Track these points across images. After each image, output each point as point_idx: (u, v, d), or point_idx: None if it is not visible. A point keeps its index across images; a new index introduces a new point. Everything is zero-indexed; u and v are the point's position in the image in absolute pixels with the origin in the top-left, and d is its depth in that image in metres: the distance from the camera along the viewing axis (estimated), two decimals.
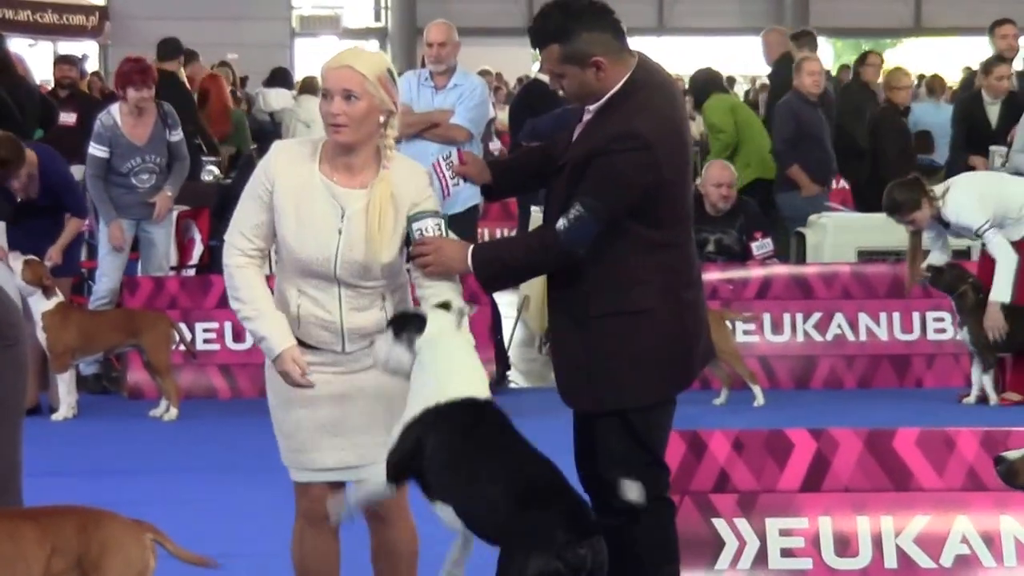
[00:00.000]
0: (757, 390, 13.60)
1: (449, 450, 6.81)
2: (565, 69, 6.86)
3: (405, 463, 6.85)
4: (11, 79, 16.74)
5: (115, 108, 14.57)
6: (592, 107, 6.92)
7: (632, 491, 6.50)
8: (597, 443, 7.01)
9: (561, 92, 7.16)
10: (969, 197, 13.22)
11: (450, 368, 6.88)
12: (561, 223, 6.77)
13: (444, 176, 6.79)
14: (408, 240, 7.00)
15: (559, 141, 7.18)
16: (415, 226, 6.96)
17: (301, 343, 7.08)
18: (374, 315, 7.07)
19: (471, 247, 6.92)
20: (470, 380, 6.90)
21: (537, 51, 7.01)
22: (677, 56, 43.33)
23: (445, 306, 6.93)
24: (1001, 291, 13.17)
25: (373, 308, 7.07)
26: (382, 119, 6.96)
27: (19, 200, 13.41)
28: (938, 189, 13.24)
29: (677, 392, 7.05)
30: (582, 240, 6.76)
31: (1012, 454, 6.72)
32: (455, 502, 6.81)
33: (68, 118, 17.99)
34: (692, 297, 7.04)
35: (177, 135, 14.73)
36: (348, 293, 7.06)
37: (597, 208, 6.73)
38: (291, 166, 7.09)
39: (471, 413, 6.83)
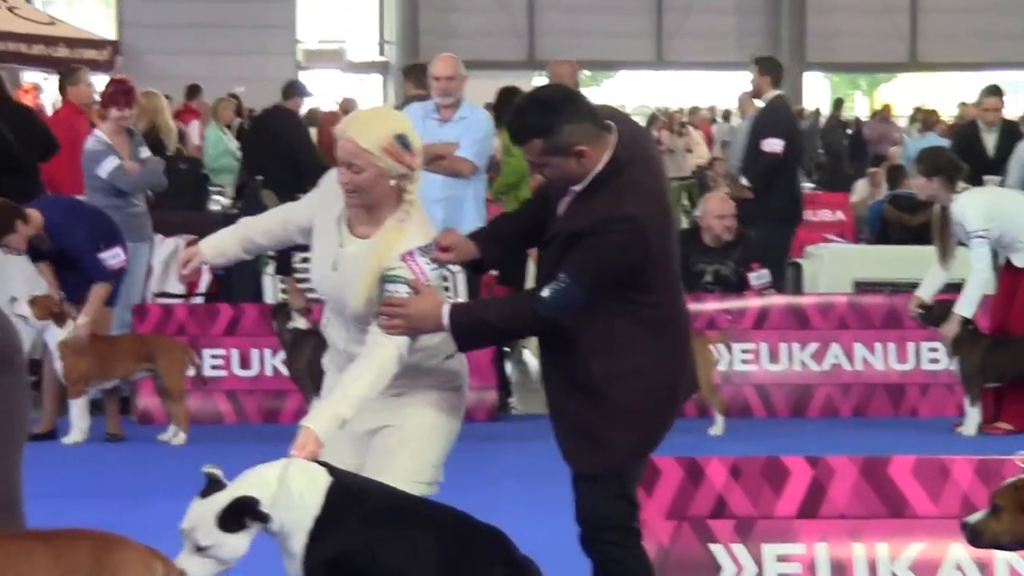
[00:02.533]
0: (719, 419, 13.58)
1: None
2: (548, 160, 6.83)
3: None
4: (9, 110, 16.69)
5: (99, 131, 14.60)
6: (576, 189, 6.88)
7: None
8: (594, 497, 7.01)
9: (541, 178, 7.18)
10: (979, 201, 13.23)
11: (303, 497, 6.75)
12: (546, 292, 6.77)
13: (420, 267, 6.71)
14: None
15: (541, 204, 7.17)
16: (387, 287, 6.89)
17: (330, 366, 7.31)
18: None
19: (448, 306, 6.87)
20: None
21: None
22: (675, 89, 43.34)
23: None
24: (963, 305, 13.18)
25: None
26: (393, 182, 6.99)
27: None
28: (961, 186, 13.21)
29: (649, 449, 7.10)
30: (565, 309, 6.77)
31: (972, 518, 6.72)
32: None
33: None
34: (680, 349, 7.08)
35: (145, 151, 14.87)
36: (350, 326, 7.13)
37: (583, 281, 6.75)
38: (327, 199, 7.23)
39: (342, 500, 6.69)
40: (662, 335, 6.94)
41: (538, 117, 6.79)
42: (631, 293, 6.84)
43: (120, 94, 14.82)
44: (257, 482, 6.81)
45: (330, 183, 7.25)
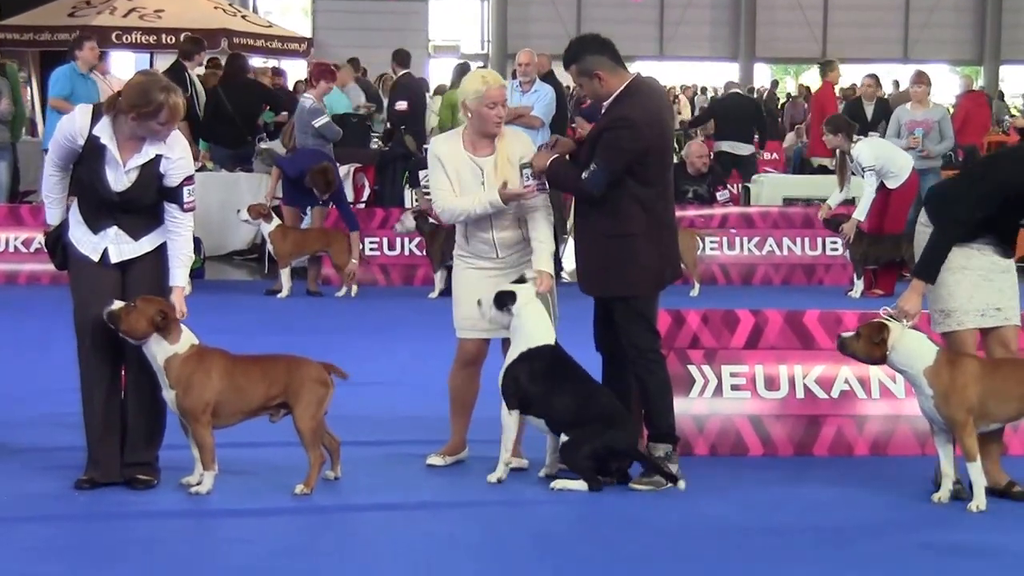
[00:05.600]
0: (697, 285, 13.61)
1: (537, 379, 6.92)
2: (581, 80, 7.02)
3: (512, 391, 6.96)
4: (241, 82, 16.70)
5: (310, 95, 14.43)
6: (605, 104, 6.98)
7: None
8: (616, 319, 7.02)
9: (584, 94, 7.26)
10: (870, 147, 13.44)
11: (534, 326, 6.97)
12: (586, 174, 6.86)
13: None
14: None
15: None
16: (525, 171, 7.03)
17: (471, 254, 7.20)
18: (514, 232, 7.15)
19: (555, 159, 7.01)
20: (546, 333, 7.00)
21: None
22: (673, 75, 42.81)
23: (521, 280, 7.02)
24: (860, 212, 13.32)
25: (512, 227, 7.15)
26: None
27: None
28: (856, 138, 13.39)
29: (653, 290, 7.02)
30: (597, 185, 6.83)
31: (844, 335, 6.81)
32: (541, 412, 6.93)
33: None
34: (666, 232, 7.02)
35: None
36: (496, 219, 7.13)
37: (605, 166, 6.80)
38: (446, 150, 7.20)
39: (547, 354, 6.95)
40: (651, 212, 6.91)
41: (573, 50, 7.00)
42: (631, 180, 6.85)
43: (328, 72, 14.80)
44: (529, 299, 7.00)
45: (438, 148, 7.24)
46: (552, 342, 6.98)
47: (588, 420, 6.81)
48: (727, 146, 17.78)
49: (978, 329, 6.85)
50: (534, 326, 6.96)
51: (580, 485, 6.81)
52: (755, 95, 35.86)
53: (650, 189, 6.90)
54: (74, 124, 6.61)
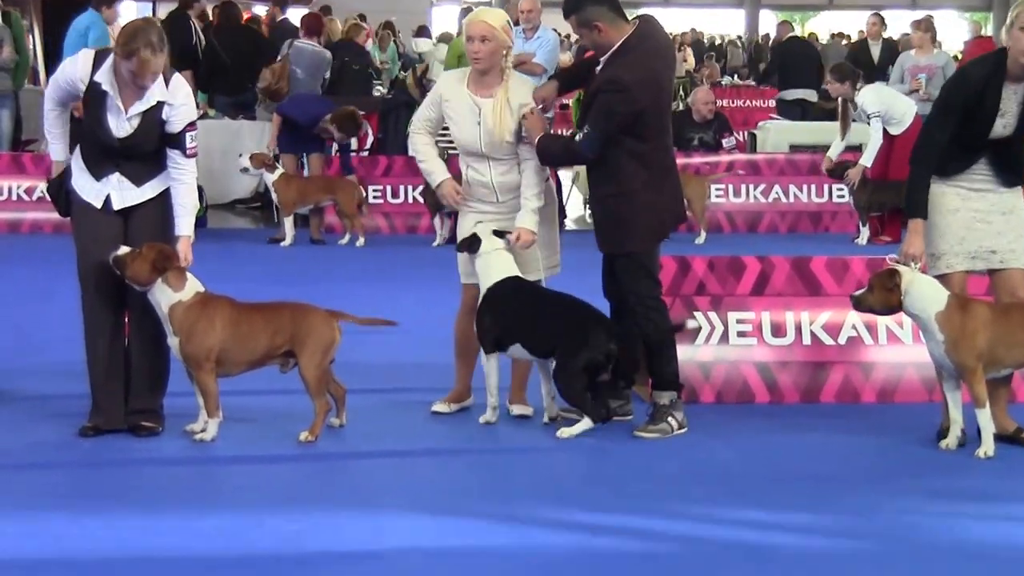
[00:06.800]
0: (703, 233, 13.66)
1: (502, 312, 6.93)
2: (580, 31, 6.90)
3: (483, 334, 7.00)
4: (236, 28, 16.60)
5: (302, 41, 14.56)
6: (603, 57, 6.89)
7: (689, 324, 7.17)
8: (617, 271, 7.02)
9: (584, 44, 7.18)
10: (874, 94, 13.37)
11: (493, 267, 7.00)
12: (579, 136, 6.82)
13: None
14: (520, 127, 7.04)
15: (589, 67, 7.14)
16: (524, 120, 7.01)
17: (473, 199, 7.18)
18: (513, 176, 7.10)
19: (542, 136, 6.93)
20: (504, 269, 7.01)
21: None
22: (678, 22, 42.62)
23: (498, 234, 7.04)
24: (866, 159, 13.35)
25: (512, 172, 7.10)
26: (504, 52, 7.03)
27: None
28: (860, 85, 13.36)
29: (654, 243, 6.98)
30: (591, 149, 6.79)
31: (856, 293, 6.78)
32: (522, 340, 6.91)
33: None
34: (667, 179, 6.95)
35: None
36: (494, 162, 7.10)
37: (598, 128, 6.75)
38: (450, 87, 7.16)
39: (508, 286, 6.97)
40: (650, 166, 6.86)
41: (572, 1, 6.86)
42: (629, 139, 6.79)
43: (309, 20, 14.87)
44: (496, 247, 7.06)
45: (443, 83, 7.25)
46: (511, 275, 7.00)
47: (565, 334, 6.78)
48: (801, 93, 17.67)
49: (971, 272, 6.85)
50: (493, 267, 7.01)
51: (584, 423, 6.81)
52: (759, 42, 35.73)
53: (646, 143, 6.84)
54: (76, 68, 6.57)
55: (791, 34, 20.41)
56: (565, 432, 6.83)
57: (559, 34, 14.94)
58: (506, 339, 6.97)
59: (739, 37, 39.95)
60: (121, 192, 6.68)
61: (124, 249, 6.55)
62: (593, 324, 6.77)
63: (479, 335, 7.04)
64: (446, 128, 7.29)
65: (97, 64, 6.53)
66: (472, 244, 7.07)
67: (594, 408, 6.78)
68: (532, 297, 6.98)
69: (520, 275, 7.02)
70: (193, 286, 6.62)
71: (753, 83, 28.54)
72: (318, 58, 14.48)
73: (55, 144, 6.86)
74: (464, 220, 7.27)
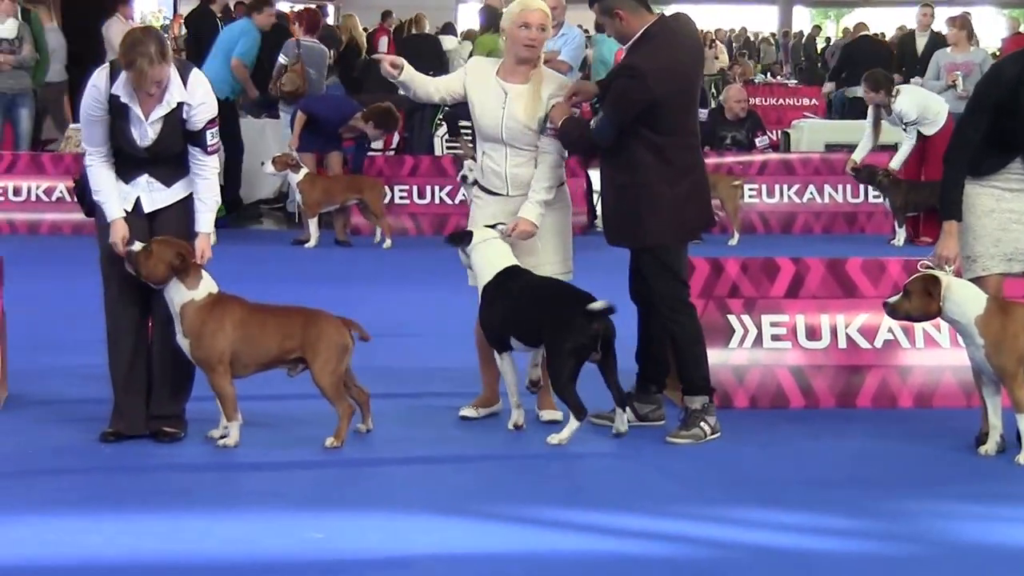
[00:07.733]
0: (736, 235, 13.59)
1: (498, 308, 6.87)
2: (603, 20, 6.87)
3: (488, 334, 6.94)
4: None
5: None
6: (626, 46, 6.85)
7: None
8: (642, 269, 6.94)
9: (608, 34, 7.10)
10: (910, 100, 13.31)
11: (486, 263, 6.92)
12: (593, 123, 6.80)
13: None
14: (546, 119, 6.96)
15: None
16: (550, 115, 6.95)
17: (482, 188, 7.13)
18: (528, 170, 7.00)
19: (566, 120, 6.87)
20: (497, 262, 6.92)
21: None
22: (708, 18, 42.52)
23: (492, 227, 6.96)
24: (895, 162, 13.41)
25: (527, 165, 7.01)
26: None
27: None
28: (895, 90, 13.37)
29: (675, 240, 6.87)
30: (603, 137, 6.73)
31: (891, 299, 6.67)
32: (514, 331, 6.86)
33: None
34: (689, 180, 6.82)
35: None
36: (511, 151, 7.01)
37: (611, 115, 6.70)
38: (480, 69, 7.14)
39: (500, 282, 6.88)
40: (668, 161, 6.75)
41: None
42: (645, 129, 6.70)
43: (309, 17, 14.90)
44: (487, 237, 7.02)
45: (473, 64, 7.23)
46: (505, 266, 6.91)
47: (550, 321, 6.69)
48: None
49: (1007, 274, 6.76)
50: (486, 263, 6.92)
51: (572, 425, 6.71)
52: (793, 39, 35.69)
53: (666, 137, 6.73)
54: (98, 90, 6.49)
55: (863, 32, 20.40)
56: (555, 438, 6.74)
57: (584, 31, 14.85)
58: (504, 332, 6.89)
59: (772, 34, 39.91)
60: (151, 194, 6.65)
61: (138, 244, 6.50)
62: (575, 307, 6.65)
63: (484, 334, 6.98)
64: (468, 124, 7.25)
65: (113, 77, 6.48)
66: (463, 238, 6.98)
67: (577, 405, 6.65)
68: (520, 285, 6.87)
69: (518, 264, 6.93)
70: (207, 286, 6.57)
71: (792, 81, 28.50)
72: (322, 55, 14.50)
73: (108, 204, 6.61)
74: (476, 213, 7.19)
